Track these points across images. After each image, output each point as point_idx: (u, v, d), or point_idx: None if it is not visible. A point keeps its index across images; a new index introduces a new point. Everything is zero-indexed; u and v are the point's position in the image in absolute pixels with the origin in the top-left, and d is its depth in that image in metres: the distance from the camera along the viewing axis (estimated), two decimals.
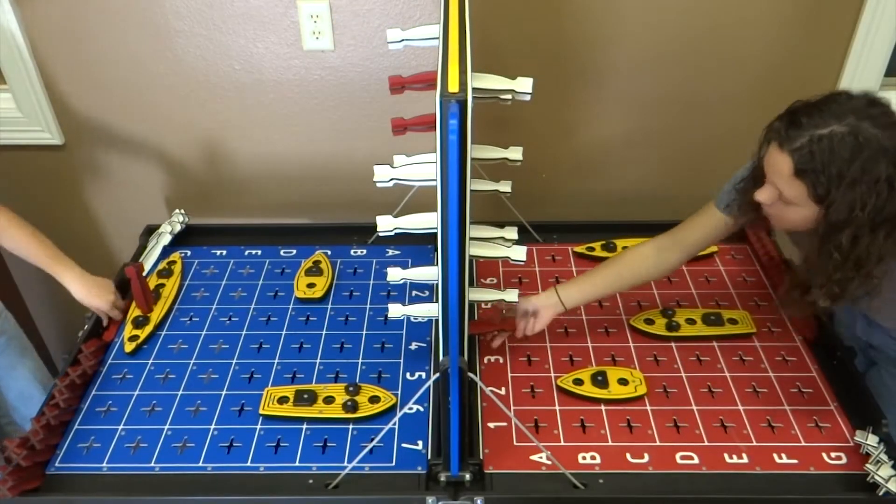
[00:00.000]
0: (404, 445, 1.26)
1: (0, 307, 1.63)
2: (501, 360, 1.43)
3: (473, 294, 1.31)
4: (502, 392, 1.36)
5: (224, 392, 1.37)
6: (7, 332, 1.64)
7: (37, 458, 1.22)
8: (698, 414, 1.30)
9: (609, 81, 1.74)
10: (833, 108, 1.06)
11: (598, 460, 1.22)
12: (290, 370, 1.41)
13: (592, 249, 1.69)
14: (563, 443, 1.25)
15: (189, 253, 1.74)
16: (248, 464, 1.23)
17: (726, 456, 1.23)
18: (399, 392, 1.36)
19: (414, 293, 1.61)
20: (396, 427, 1.28)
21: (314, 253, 1.72)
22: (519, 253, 1.26)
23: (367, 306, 1.57)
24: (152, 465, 1.24)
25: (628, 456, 1.23)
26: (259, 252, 1.74)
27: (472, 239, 1.12)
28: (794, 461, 1.22)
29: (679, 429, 1.28)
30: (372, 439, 1.25)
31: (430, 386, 1.27)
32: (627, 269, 1.40)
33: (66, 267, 1.48)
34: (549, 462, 1.21)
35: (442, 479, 1.18)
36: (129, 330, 1.50)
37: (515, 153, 1.35)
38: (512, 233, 1.32)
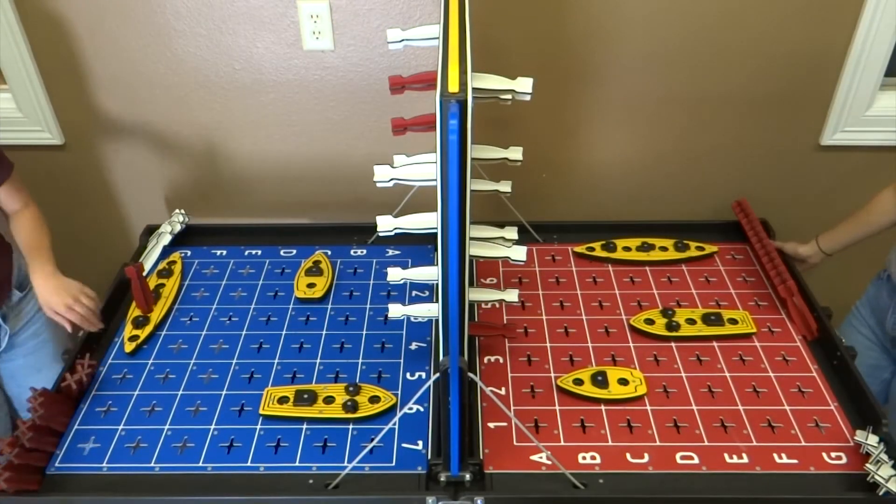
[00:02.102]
0: (404, 445, 1.26)
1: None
2: (501, 360, 1.43)
3: (473, 294, 1.31)
4: (502, 392, 1.36)
5: (224, 392, 1.37)
6: (43, 335, 1.62)
7: (31, 459, 1.22)
8: (698, 414, 1.30)
9: (609, 81, 1.74)
10: None
11: (598, 460, 1.22)
12: (290, 370, 1.41)
13: (592, 249, 1.69)
14: (563, 443, 1.25)
15: (189, 253, 1.74)
16: (248, 464, 1.23)
17: (726, 456, 1.23)
18: (399, 392, 1.36)
19: (414, 293, 1.61)
20: (396, 427, 1.28)
21: (314, 253, 1.72)
22: (519, 253, 1.26)
23: (367, 306, 1.57)
24: (152, 465, 1.24)
25: (628, 456, 1.23)
26: (259, 252, 1.74)
27: (472, 239, 1.12)
28: (794, 461, 1.22)
29: (679, 429, 1.28)
30: (372, 439, 1.25)
31: (430, 386, 1.27)
32: (870, 214, 1.54)
33: (42, 262, 1.46)
34: (549, 462, 1.21)
35: (442, 479, 1.18)
36: (129, 330, 1.50)
37: (515, 153, 1.35)
38: (512, 233, 1.32)
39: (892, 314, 1.52)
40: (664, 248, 1.68)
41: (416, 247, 1.73)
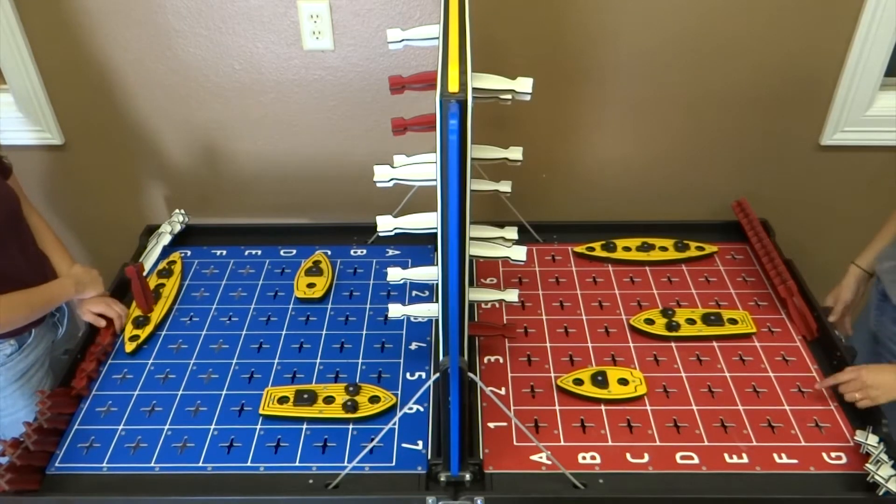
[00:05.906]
0: (404, 445, 1.26)
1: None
2: (501, 360, 1.43)
3: (473, 294, 1.31)
4: (502, 392, 1.36)
5: (224, 392, 1.37)
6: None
7: (33, 460, 1.22)
8: (698, 414, 1.30)
9: (609, 81, 1.74)
10: None
11: (598, 460, 1.22)
12: (290, 370, 1.41)
13: (592, 249, 1.69)
14: (563, 443, 1.25)
15: (189, 253, 1.74)
16: (248, 464, 1.23)
17: (726, 456, 1.23)
18: (399, 392, 1.36)
19: (414, 293, 1.61)
20: (396, 427, 1.29)
21: (314, 253, 1.72)
22: (519, 253, 1.26)
23: (367, 306, 1.57)
24: (152, 465, 1.24)
25: (628, 456, 1.23)
26: (259, 252, 1.74)
27: (472, 239, 1.12)
28: (794, 461, 1.22)
29: (679, 429, 1.28)
30: (372, 439, 1.25)
31: (430, 386, 1.27)
32: None
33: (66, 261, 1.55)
34: (549, 462, 1.21)
35: (442, 479, 1.18)
36: (129, 330, 1.50)
37: (515, 153, 1.35)
38: (512, 233, 1.32)
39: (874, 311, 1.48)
40: (664, 248, 1.68)
41: (416, 247, 1.73)
